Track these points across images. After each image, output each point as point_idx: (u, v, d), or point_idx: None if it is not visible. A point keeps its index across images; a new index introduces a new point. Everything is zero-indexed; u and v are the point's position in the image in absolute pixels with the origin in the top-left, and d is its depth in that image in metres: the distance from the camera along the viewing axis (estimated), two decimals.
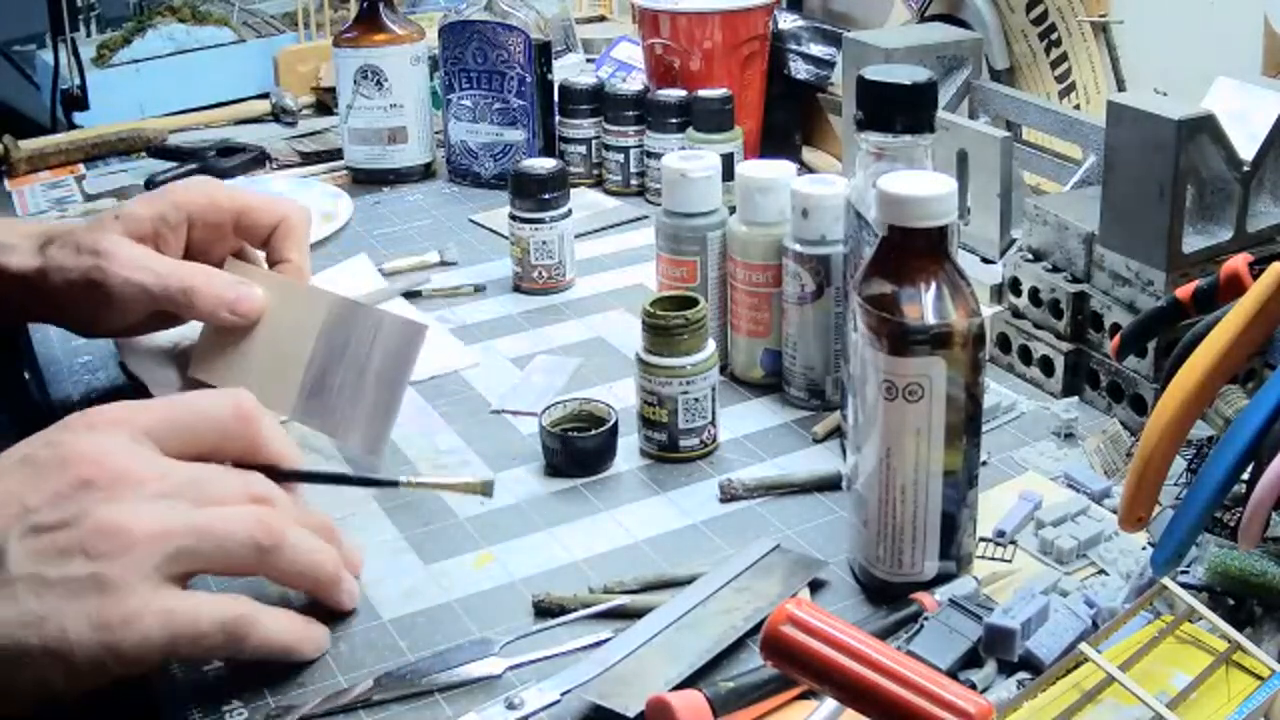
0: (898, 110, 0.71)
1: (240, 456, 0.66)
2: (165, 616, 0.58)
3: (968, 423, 0.64)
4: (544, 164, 1.04)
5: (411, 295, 1.06)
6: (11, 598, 0.57)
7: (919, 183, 0.63)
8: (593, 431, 0.80)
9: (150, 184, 1.31)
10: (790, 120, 1.32)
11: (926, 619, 0.63)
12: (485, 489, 0.73)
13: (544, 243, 1.03)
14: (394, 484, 0.73)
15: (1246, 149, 0.79)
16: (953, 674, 0.60)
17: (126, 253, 0.82)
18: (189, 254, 0.85)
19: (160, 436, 0.63)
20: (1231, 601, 0.62)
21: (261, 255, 0.88)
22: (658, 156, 1.16)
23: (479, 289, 1.07)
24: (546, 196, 1.02)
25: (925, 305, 0.63)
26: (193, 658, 0.63)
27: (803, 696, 0.60)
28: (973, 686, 0.59)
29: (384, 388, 0.79)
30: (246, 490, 0.63)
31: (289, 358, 0.82)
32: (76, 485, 0.59)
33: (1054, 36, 1.13)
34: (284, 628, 0.63)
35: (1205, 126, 0.77)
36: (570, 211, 1.04)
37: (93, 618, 0.57)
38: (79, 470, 0.59)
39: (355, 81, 1.27)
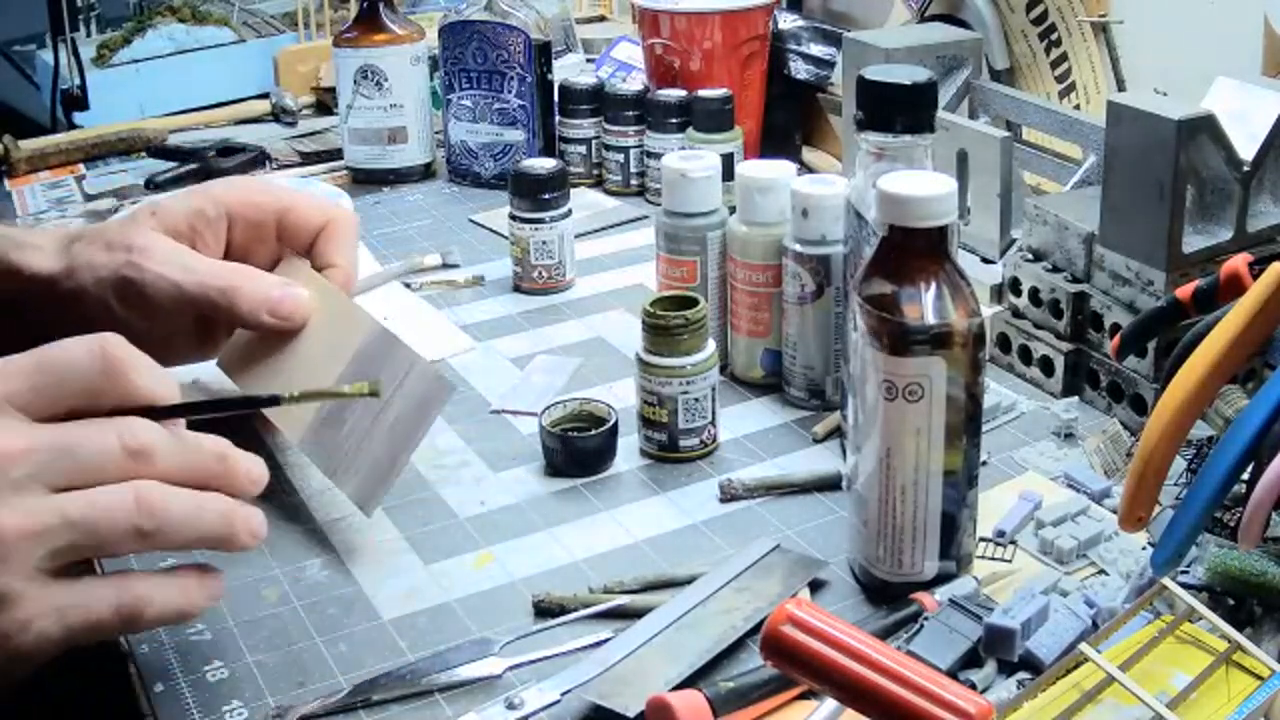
0: (898, 110, 0.71)
1: (114, 407, 0.59)
2: (58, 615, 0.56)
3: (968, 423, 0.64)
4: (544, 164, 1.04)
5: (409, 286, 1.06)
6: None
7: (919, 183, 0.63)
8: (593, 431, 0.80)
9: (150, 184, 1.31)
10: (790, 120, 1.32)
11: (926, 619, 0.63)
12: (373, 389, 0.66)
13: (544, 243, 1.03)
14: (275, 401, 0.66)
15: (1246, 149, 0.79)
16: (953, 674, 0.60)
17: (162, 248, 0.76)
18: (228, 256, 0.80)
19: (22, 400, 0.57)
20: (1231, 601, 0.62)
21: (307, 263, 0.82)
22: (658, 156, 1.16)
23: (478, 279, 1.07)
24: (546, 196, 1.02)
25: (925, 305, 0.63)
26: (91, 643, 0.59)
27: (803, 696, 0.60)
28: (973, 686, 0.59)
29: (394, 441, 0.73)
30: (122, 446, 0.57)
31: (316, 376, 0.76)
32: None
33: (1054, 36, 1.13)
34: (176, 593, 0.60)
35: (1205, 126, 0.77)
36: (570, 211, 1.04)
37: None
38: None
39: (355, 81, 1.28)
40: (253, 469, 0.63)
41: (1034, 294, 0.87)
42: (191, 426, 0.62)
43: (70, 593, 0.57)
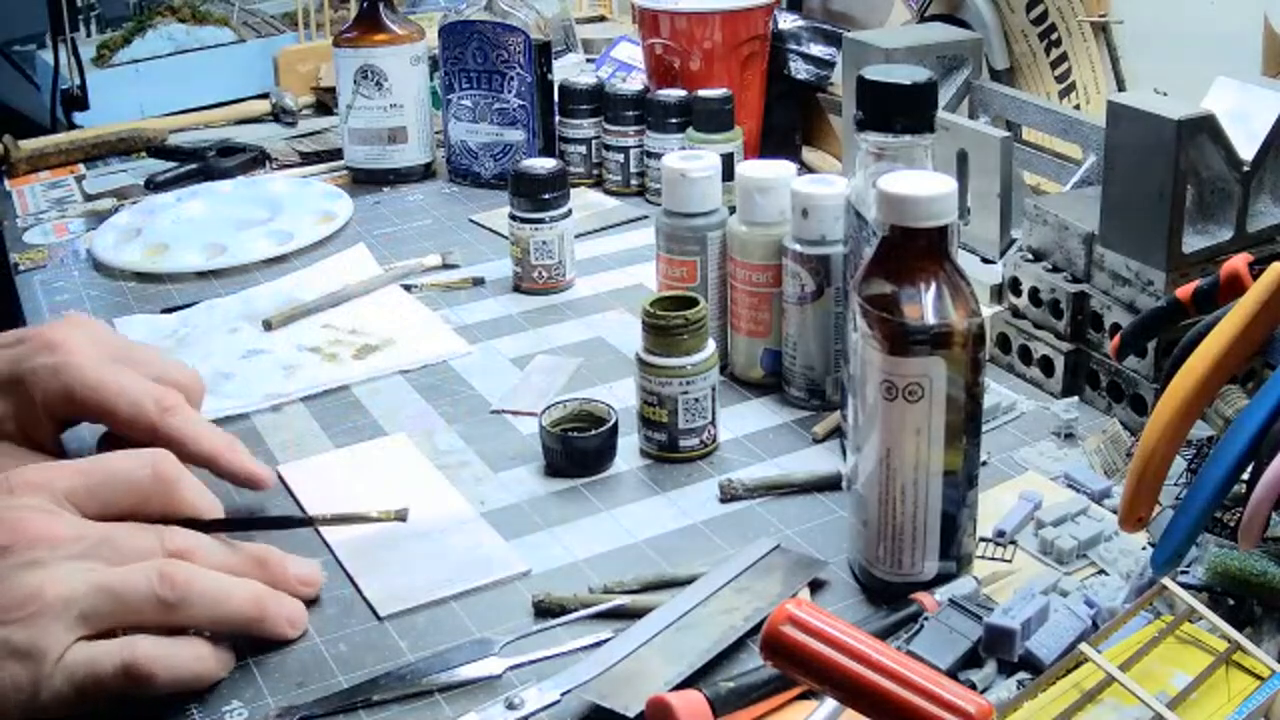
0: (898, 110, 0.71)
1: (160, 515, 0.66)
2: (67, 673, 0.58)
3: (968, 423, 0.64)
4: (544, 164, 1.04)
5: (409, 287, 1.06)
6: None
7: (919, 183, 0.63)
8: (593, 431, 0.80)
9: (150, 184, 1.31)
10: (790, 120, 1.32)
11: (926, 619, 0.63)
12: (399, 515, 0.71)
13: (544, 243, 1.03)
14: (309, 523, 0.71)
15: (1246, 149, 0.79)
16: (953, 674, 0.60)
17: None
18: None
19: (79, 499, 0.63)
20: (1231, 601, 0.62)
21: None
22: (658, 156, 1.16)
23: (478, 281, 1.07)
24: (546, 196, 1.02)
25: (925, 305, 0.63)
26: (108, 703, 0.61)
27: (803, 696, 0.60)
28: (973, 686, 0.59)
29: (442, 582, 0.70)
30: (162, 545, 0.63)
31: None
32: None
33: (1054, 36, 1.13)
34: (190, 656, 0.62)
35: (1205, 126, 0.77)
36: (570, 211, 1.04)
37: (8, 683, 0.58)
38: None
39: (355, 81, 1.28)
40: (304, 572, 0.68)
41: (1034, 294, 0.87)
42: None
43: (78, 651, 0.59)
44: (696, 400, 0.80)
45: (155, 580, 0.61)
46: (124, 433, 0.74)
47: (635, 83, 1.30)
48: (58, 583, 0.59)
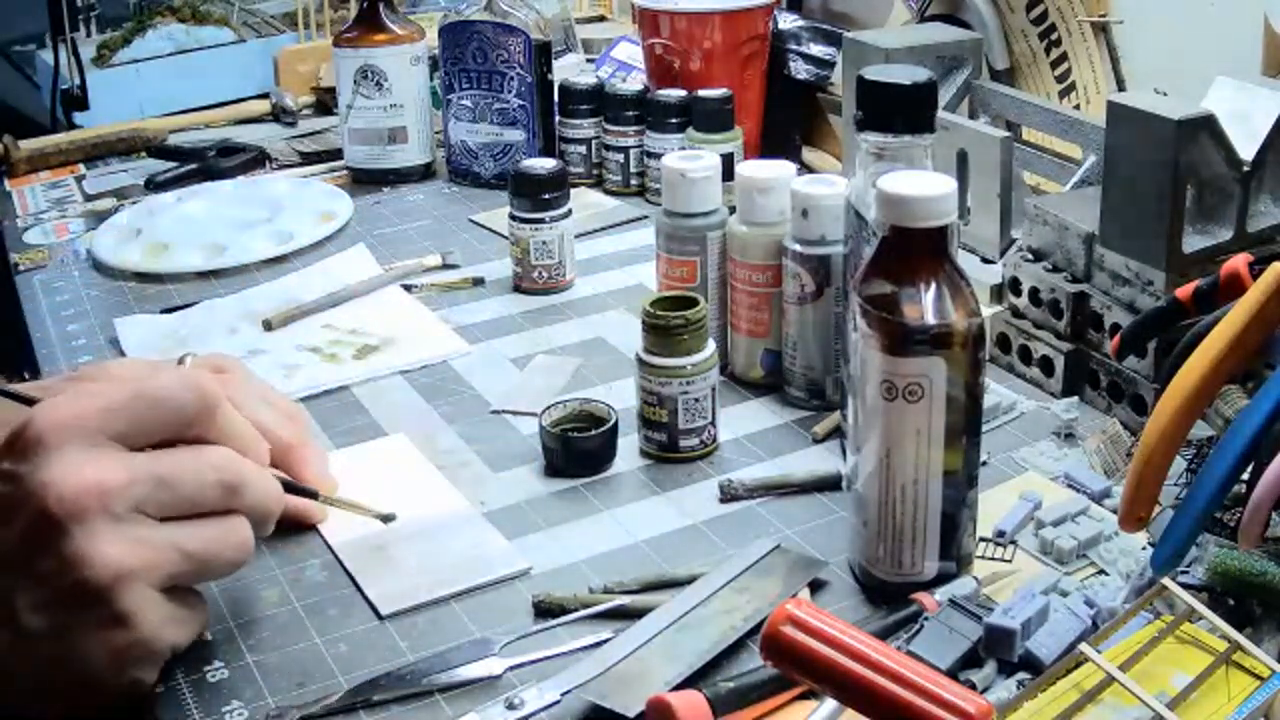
0: (898, 110, 0.71)
1: (199, 439, 0.63)
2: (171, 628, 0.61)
3: (968, 423, 0.64)
4: (544, 164, 1.04)
5: (409, 288, 1.06)
6: (30, 650, 0.58)
7: (919, 183, 0.63)
8: (593, 431, 0.80)
9: (150, 184, 1.31)
10: (790, 120, 1.32)
11: (926, 619, 0.63)
12: (386, 519, 0.73)
13: (544, 243, 1.03)
14: (313, 495, 0.72)
15: (1246, 149, 0.79)
16: (953, 674, 0.60)
17: None
18: None
19: (119, 433, 0.60)
20: (1231, 601, 0.62)
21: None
22: (658, 156, 1.16)
23: (478, 282, 1.07)
24: (546, 196, 1.02)
25: (925, 305, 0.63)
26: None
27: (803, 696, 0.60)
28: (973, 686, 0.59)
29: (443, 581, 0.70)
30: (219, 481, 0.62)
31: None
32: (44, 524, 0.57)
33: (1054, 36, 1.13)
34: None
35: (1205, 126, 0.77)
36: (570, 211, 1.04)
37: (112, 649, 0.59)
38: (41, 504, 0.57)
39: (355, 81, 1.28)
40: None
41: (1034, 294, 0.87)
42: None
43: (166, 609, 0.61)
44: (696, 400, 0.80)
45: (240, 550, 0.62)
46: None
47: (635, 83, 1.30)
48: (134, 550, 0.58)
